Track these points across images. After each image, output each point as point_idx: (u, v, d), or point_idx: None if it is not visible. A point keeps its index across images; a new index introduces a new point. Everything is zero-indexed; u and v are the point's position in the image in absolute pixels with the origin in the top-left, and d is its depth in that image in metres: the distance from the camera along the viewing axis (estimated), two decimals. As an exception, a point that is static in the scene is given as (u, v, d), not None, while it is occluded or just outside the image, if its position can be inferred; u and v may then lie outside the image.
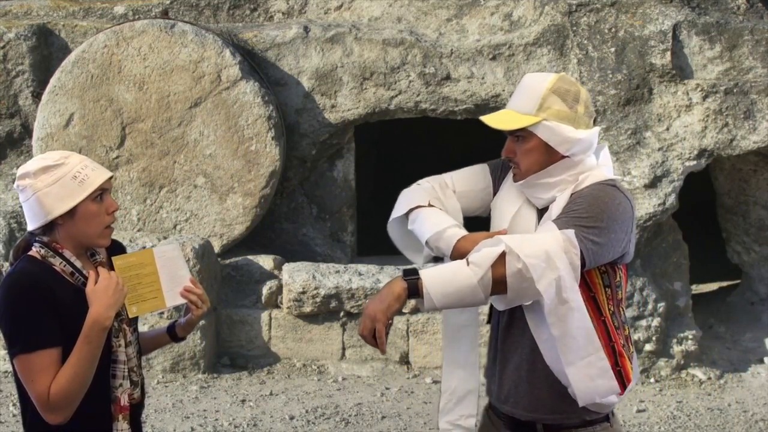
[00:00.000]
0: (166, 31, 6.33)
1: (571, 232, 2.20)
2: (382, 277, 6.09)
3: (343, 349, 6.14)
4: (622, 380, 2.36)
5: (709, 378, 6.03)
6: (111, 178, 2.36)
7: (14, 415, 5.33)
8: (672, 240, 6.47)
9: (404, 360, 6.12)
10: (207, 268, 5.98)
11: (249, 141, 6.31)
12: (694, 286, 7.13)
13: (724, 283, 7.89)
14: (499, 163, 2.59)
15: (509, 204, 2.46)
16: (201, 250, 5.93)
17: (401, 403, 5.59)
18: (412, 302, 6.06)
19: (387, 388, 5.83)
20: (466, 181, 2.59)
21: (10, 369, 6.08)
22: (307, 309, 6.05)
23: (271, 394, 5.69)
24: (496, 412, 2.57)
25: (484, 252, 2.17)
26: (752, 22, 6.28)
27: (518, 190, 2.46)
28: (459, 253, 2.37)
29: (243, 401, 5.54)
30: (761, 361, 6.33)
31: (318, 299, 6.02)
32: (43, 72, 6.68)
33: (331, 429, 5.18)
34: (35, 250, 2.30)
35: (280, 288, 6.16)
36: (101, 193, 2.32)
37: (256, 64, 6.55)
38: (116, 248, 2.52)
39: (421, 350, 6.10)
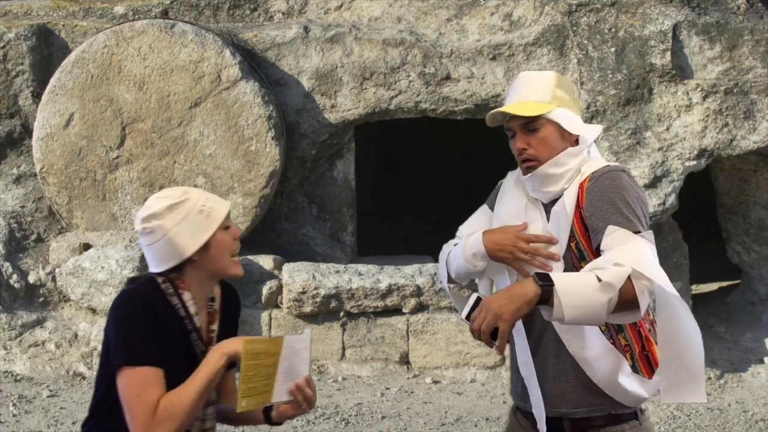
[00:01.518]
0: (166, 31, 6.33)
1: (649, 233, 2.25)
2: (382, 277, 6.09)
3: (343, 349, 6.14)
4: (650, 365, 2.37)
5: (709, 378, 6.03)
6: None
7: (14, 415, 5.34)
8: (672, 240, 6.47)
9: (404, 360, 6.13)
10: (207, 268, 5.98)
11: (249, 141, 6.31)
12: (694, 286, 7.13)
13: (724, 283, 7.90)
14: (492, 195, 2.65)
15: (512, 210, 2.50)
16: (201, 250, 5.93)
17: (401, 403, 5.59)
18: (412, 302, 6.08)
19: (387, 388, 5.83)
20: (474, 222, 2.64)
21: (10, 369, 6.09)
22: (307, 309, 6.05)
23: (271, 394, 5.69)
24: (523, 413, 2.52)
25: (615, 272, 2.14)
26: (752, 22, 6.28)
27: (516, 191, 2.51)
28: (491, 242, 2.42)
29: (243, 401, 5.53)
30: (761, 361, 6.33)
31: (318, 299, 6.02)
32: (43, 72, 6.68)
33: (331, 429, 5.18)
34: (160, 279, 2.25)
35: (280, 288, 6.16)
36: (225, 221, 2.28)
37: (256, 64, 6.55)
38: (230, 293, 2.45)
39: (421, 350, 6.10)
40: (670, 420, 5.36)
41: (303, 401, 2.27)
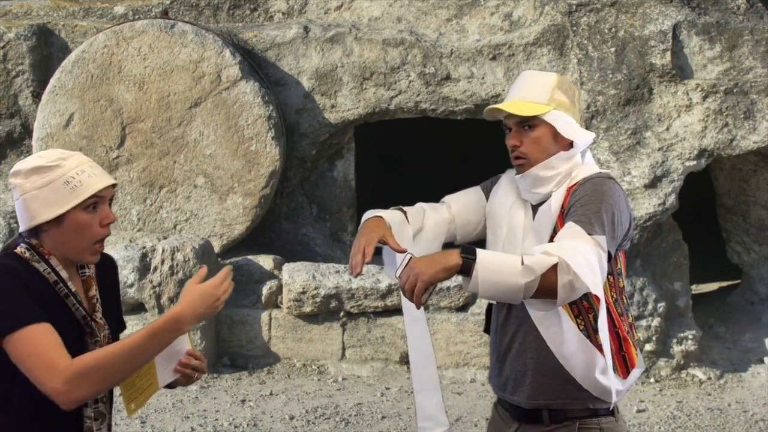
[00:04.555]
0: (166, 31, 6.33)
1: (602, 238, 2.29)
2: (382, 277, 6.09)
3: (343, 349, 6.14)
4: (626, 366, 2.46)
5: (709, 378, 6.03)
6: (112, 186, 2.13)
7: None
8: (672, 240, 6.47)
9: (404, 360, 6.13)
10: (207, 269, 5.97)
11: (249, 141, 6.31)
12: (694, 286, 7.13)
13: (724, 283, 7.90)
14: (488, 182, 2.72)
15: (501, 206, 2.58)
16: (201, 250, 5.93)
17: (401, 403, 5.59)
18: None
19: (387, 388, 5.83)
20: (461, 196, 2.71)
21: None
22: (307, 309, 6.05)
23: (271, 394, 5.69)
24: (503, 405, 2.62)
25: (539, 259, 2.21)
26: (752, 22, 6.28)
27: (509, 189, 2.59)
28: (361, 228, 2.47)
29: (243, 401, 5.54)
30: (761, 361, 6.33)
31: (318, 299, 6.02)
32: (43, 72, 6.68)
33: (331, 429, 5.18)
34: (20, 250, 2.10)
35: (280, 288, 6.16)
36: (96, 202, 2.09)
37: (256, 64, 6.55)
38: (105, 262, 2.30)
39: (421, 350, 6.09)
40: (670, 420, 5.36)
41: (192, 373, 2.25)
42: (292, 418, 5.30)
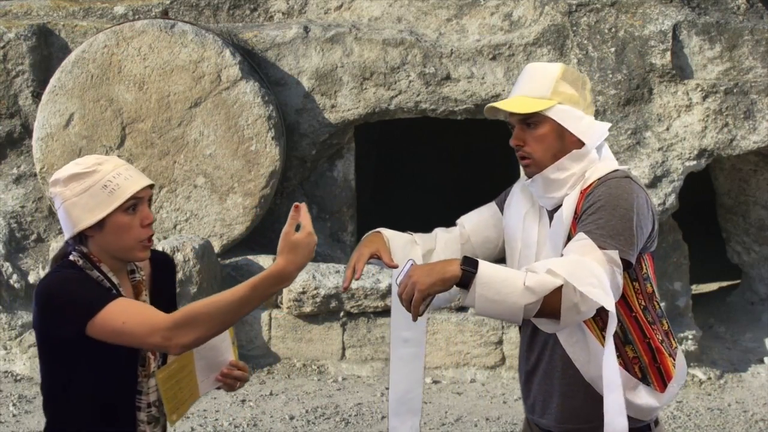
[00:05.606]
0: (166, 31, 6.33)
1: (615, 253, 2.13)
2: (382, 277, 6.09)
3: (343, 349, 6.15)
4: (662, 378, 2.30)
5: (709, 378, 6.03)
6: (150, 186, 2.17)
7: (14, 415, 5.33)
8: (672, 240, 6.47)
9: (404, 360, 6.12)
10: (207, 268, 5.98)
11: (249, 141, 6.31)
12: (694, 286, 7.13)
13: (724, 283, 7.90)
14: (502, 195, 2.59)
15: (515, 218, 2.44)
16: (201, 250, 5.93)
17: (401, 403, 5.58)
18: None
19: (387, 388, 5.82)
20: (476, 215, 2.59)
21: (10, 369, 6.09)
22: (307, 309, 6.05)
23: (271, 394, 5.69)
24: (535, 421, 2.48)
25: (542, 279, 2.06)
26: (752, 22, 6.28)
27: (522, 198, 2.44)
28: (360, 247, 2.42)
29: (243, 401, 5.54)
30: (761, 361, 6.33)
31: (318, 299, 6.02)
32: (43, 72, 6.68)
33: (331, 429, 5.18)
34: (74, 258, 2.16)
35: (280, 288, 6.15)
36: (135, 203, 2.14)
37: (256, 64, 6.55)
38: (161, 261, 2.38)
39: (421, 350, 6.09)
40: (670, 420, 5.36)
41: (234, 382, 2.36)
42: (292, 418, 5.30)
